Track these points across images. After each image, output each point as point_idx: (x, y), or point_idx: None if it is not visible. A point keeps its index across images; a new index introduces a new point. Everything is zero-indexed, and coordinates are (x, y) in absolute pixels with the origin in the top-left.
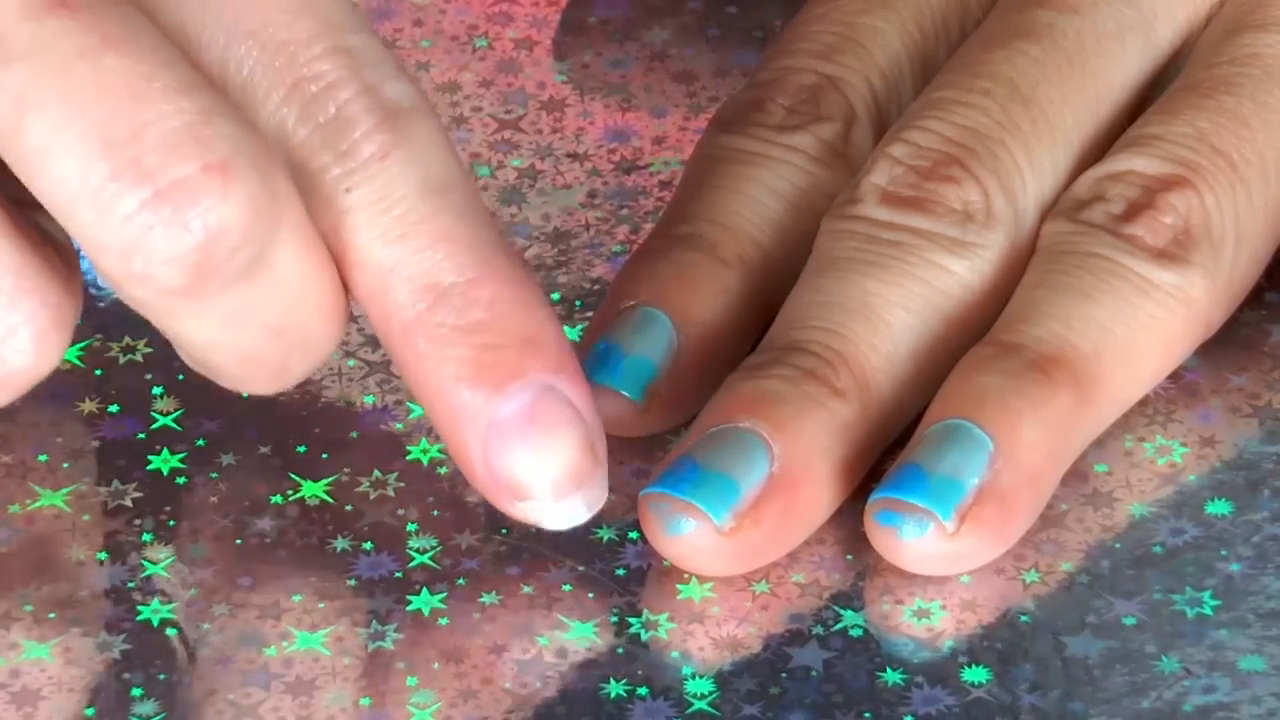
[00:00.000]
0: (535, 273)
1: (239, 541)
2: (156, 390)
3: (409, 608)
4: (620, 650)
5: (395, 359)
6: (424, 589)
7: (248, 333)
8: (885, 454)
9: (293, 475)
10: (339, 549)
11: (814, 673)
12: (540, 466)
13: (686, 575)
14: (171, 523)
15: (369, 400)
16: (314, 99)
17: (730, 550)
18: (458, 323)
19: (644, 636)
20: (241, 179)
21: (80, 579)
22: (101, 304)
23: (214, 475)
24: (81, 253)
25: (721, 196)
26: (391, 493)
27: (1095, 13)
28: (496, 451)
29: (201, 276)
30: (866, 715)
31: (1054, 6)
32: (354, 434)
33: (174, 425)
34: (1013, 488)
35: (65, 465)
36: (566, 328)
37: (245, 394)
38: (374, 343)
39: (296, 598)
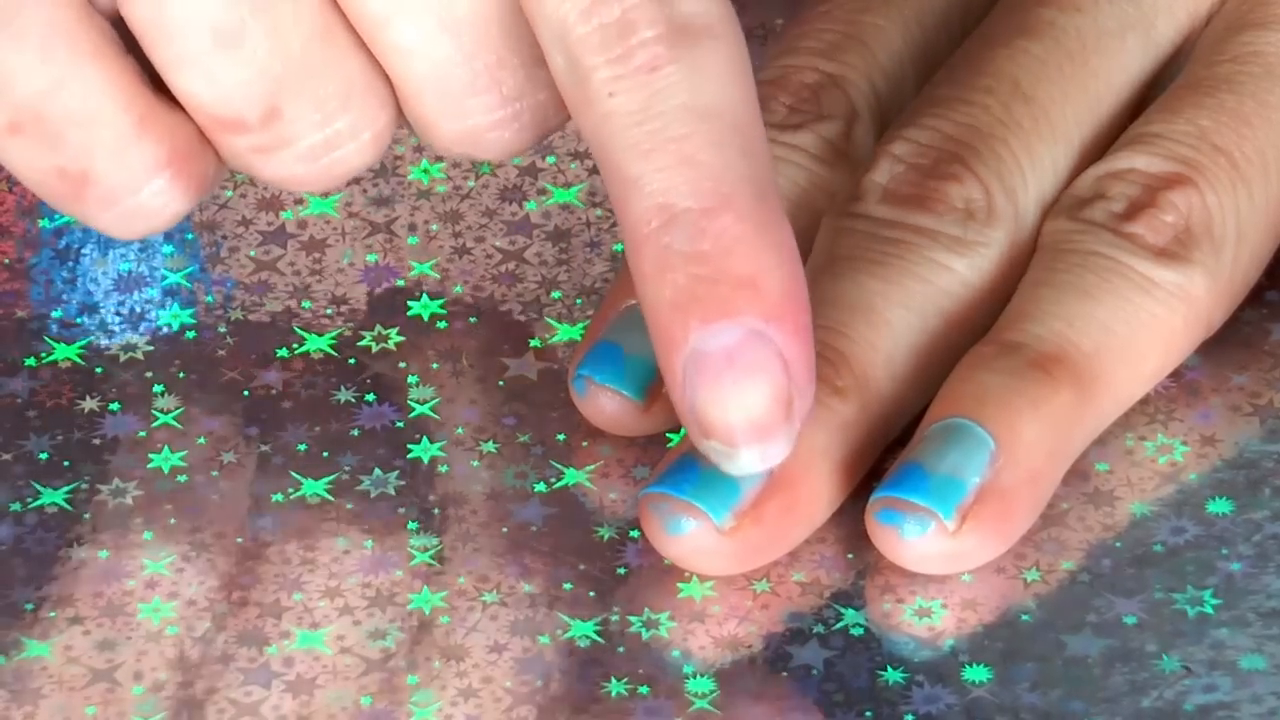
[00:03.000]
0: (534, 271)
1: (240, 540)
2: (157, 389)
3: (410, 606)
4: (621, 649)
5: (631, 270)
6: (425, 588)
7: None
8: (886, 453)
9: (293, 473)
10: (340, 548)
11: (815, 671)
12: (727, 410)
13: (687, 574)
14: (172, 521)
15: (370, 399)
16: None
17: (731, 550)
18: (682, 248)
19: (645, 635)
20: None
21: (81, 577)
22: (103, 303)
23: (215, 474)
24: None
25: None
26: (392, 490)
27: (1096, 11)
28: (692, 383)
29: None
30: (868, 714)
31: (1055, 4)
32: (354, 432)
33: (175, 424)
34: (1013, 486)
35: (66, 464)
36: (565, 327)
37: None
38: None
39: (297, 596)
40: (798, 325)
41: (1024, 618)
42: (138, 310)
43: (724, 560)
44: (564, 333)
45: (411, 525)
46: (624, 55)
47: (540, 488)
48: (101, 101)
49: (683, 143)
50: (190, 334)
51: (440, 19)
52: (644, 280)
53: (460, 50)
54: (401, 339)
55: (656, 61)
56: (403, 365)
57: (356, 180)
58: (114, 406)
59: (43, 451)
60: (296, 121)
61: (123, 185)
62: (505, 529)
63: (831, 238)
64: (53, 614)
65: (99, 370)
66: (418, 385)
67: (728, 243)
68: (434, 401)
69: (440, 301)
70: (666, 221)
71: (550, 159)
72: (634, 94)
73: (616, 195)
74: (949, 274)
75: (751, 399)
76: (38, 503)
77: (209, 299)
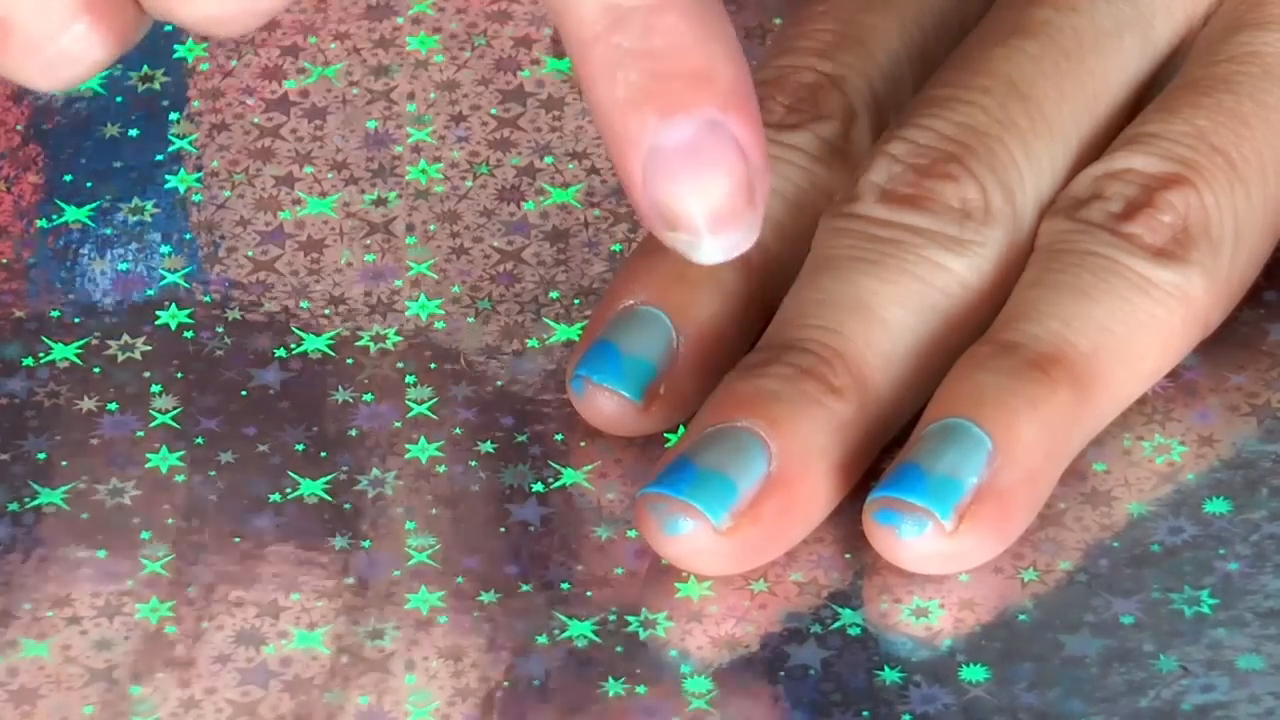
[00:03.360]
0: (532, 272)
1: (237, 540)
2: (155, 388)
3: (407, 606)
4: (619, 649)
5: (577, 76)
6: (423, 587)
7: None
8: (884, 453)
9: (291, 473)
10: (338, 547)
11: (812, 671)
12: (693, 200)
13: (685, 574)
14: (170, 521)
15: (367, 399)
16: None
17: (728, 550)
18: (633, 46)
19: (642, 635)
20: None
21: (79, 577)
22: (100, 303)
23: (212, 473)
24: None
25: None
26: (390, 491)
27: (1094, 10)
28: (654, 179)
29: None
30: (865, 714)
31: (1052, 4)
32: (353, 432)
33: (172, 423)
34: (1011, 486)
35: (64, 463)
36: (564, 327)
37: None
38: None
39: (295, 596)
40: (750, 113)
41: (1021, 618)
42: (135, 310)
43: (721, 560)
44: (562, 333)
45: (409, 525)
46: None
47: (538, 488)
48: None
49: None
50: (188, 334)
51: None
52: (594, 82)
53: None
54: (399, 339)
55: None
56: (400, 365)
57: (354, 180)
58: (112, 406)
59: (40, 451)
60: None
61: (43, 32)
62: (503, 529)
63: (829, 237)
64: (50, 614)
65: (97, 370)
66: (415, 385)
67: (677, 38)
68: (431, 401)
69: (438, 302)
70: (614, 21)
71: (548, 159)
72: None
73: (559, 1)
74: (946, 274)
75: (715, 188)
76: (35, 502)
77: (207, 299)
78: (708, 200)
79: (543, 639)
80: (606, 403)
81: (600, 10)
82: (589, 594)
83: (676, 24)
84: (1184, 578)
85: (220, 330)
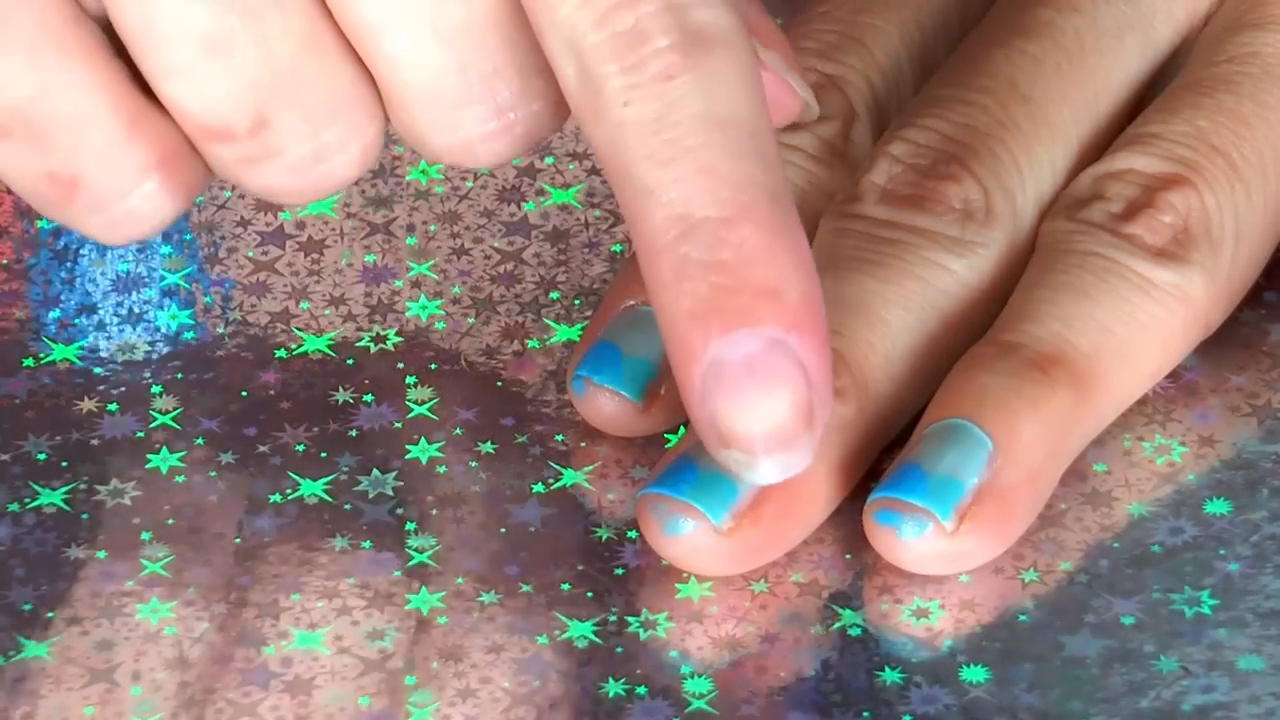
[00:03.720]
0: (533, 272)
1: (238, 540)
2: (155, 389)
3: (408, 607)
4: (619, 649)
5: (646, 281)
6: (423, 588)
7: None
8: (884, 453)
9: (291, 474)
10: (338, 548)
11: (813, 672)
12: (747, 420)
13: (685, 574)
14: (170, 521)
15: (368, 399)
16: (615, 7)
17: (729, 550)
18: (701, 258)
19: (643, 636)
20: None
21: (79, 577)
22: (100, 303)
23: (213, 474)
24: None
25: None
26: (390, 491)
27: (1095, 11)
28: (711, 394)
29: None
30: (865, 714)
31: (1053, 5)
32: (353, 433)
33: (173, 424)
34: (1012, 487)
35: (64, 464)
36: (564, 327)
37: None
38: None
39: (295, 597)
40: (817, 334)
41: (1022, 618)
42: (136, 311)
43: (722, 561)
44: (562, 333)
45: (409, 526)
46: (638, 64)
47: (538, 488)
48: (91, 105)
49: (700, 152)
50: (189, 334)
51: (434, 27)
52: (662, 290)
53: (455, 60)
54: (399, 340)
55: (671, 70)
56: (401, 366)
57: (354, 181)
58: (112, 407)
59: (41, 452)
60: (285, 132)
61: (112, 189)
62: (503, 529)
63: (829, 238)
64: (51, 614)
65: (97, 371)
66: (416, 386)
67: (748, 252)
68: (432, 402)
69: (438, 302)
70: (685, 231)
71: (549, 160)
72: (649, 103)
73: (631, 206)
74: (947, 274)
75: (773, 409)
76: (36, 503)
77: (207, 300)
78: (765, 419)
79: (543, 639)
80: (607, 403)
81: (672, 220)
82: (589, 594)
83: (749, 237)
84: (1184, 578)
85: (221, 331)
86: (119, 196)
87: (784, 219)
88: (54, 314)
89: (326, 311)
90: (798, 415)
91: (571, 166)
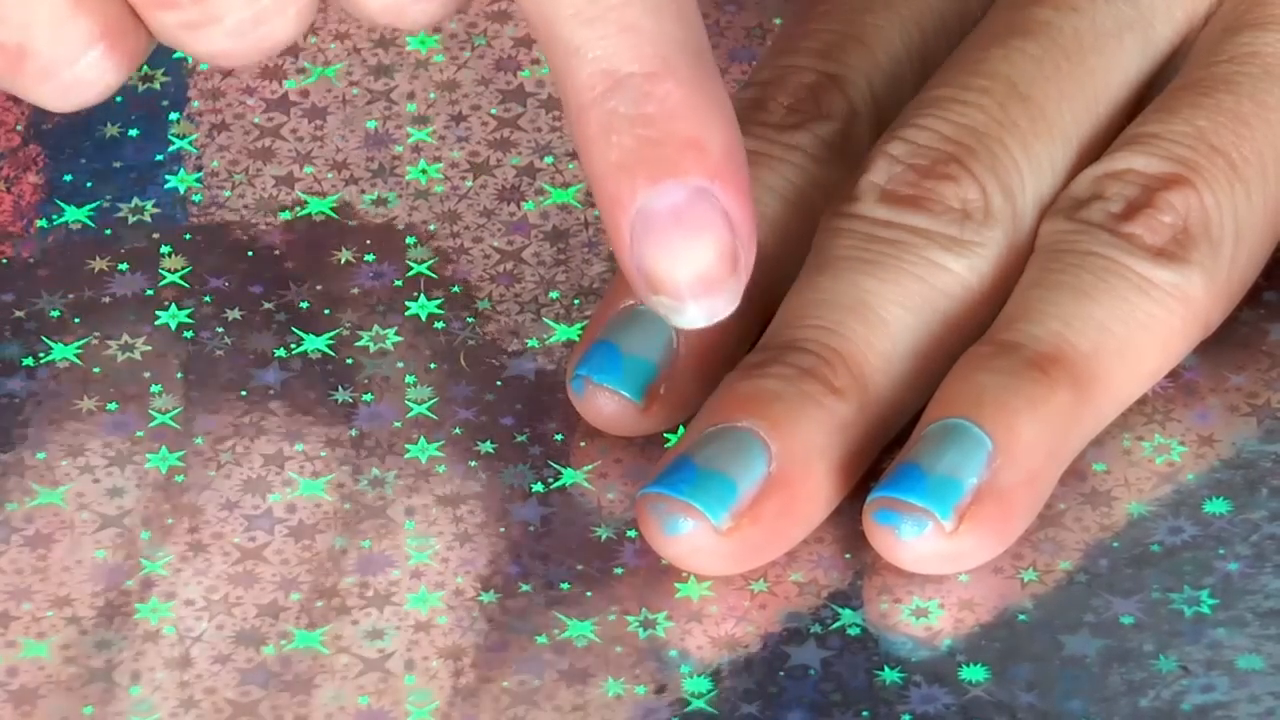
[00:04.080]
0: (532, 272)
1: (237, 540)
2: (155, 388)
3: (407, 605)
4: (618, 649)
5: (573, 138)
6: (422, 587)
7: None
8: (884, 453)
9: (290, 473)
10: (337, 546)
11: (812, 671)
12: (676, 265)
13: (685, 574)
14: (170, 520)
15: (367, 399)
16: None
17: (728, 550)
18: (627, 111)
19: (642, 635)
20: None
21: (79, 577)
22: (100, 303)
23: (212, 473)
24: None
25: None
26: (390, 490)
27: (1094, 11)
28: (640, 242)
29: None
30: (865, 714)
31: (1052, 4)
32: (352, 431)
33: (172, 423)
34: (1011, 487)
35: (63, 463)
36: (564, 327)
37: None
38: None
39: (295, 595)
40: (739, 183)
41: (1021, 618)
42: (136, 310)
43: (721, 560)
44: (562, 333)
45: (408, 525)
46: None
47: (538, 488)
48: None
49: (623, 10)
50: (188, 334)
51: None
52: (589, 144)
53: None
54: (399, 339)
55: None
56: (400, 365)
57: (355, 180)
58: (112, 406)
59: (41, 451)
60: None
61: (59, 58)
62: (503, 529)
63: (829, 238)
64: (50, 613)
65: (97, 370)
66: (415, 385)
67: (671, 106)
68: (431, 402)
69: (438, 301)
70: (611, 87)
71: (549, 159)
72: None
73: (558, 65)
74: (946, 274)
75: (699, 254)
76: (35, 501)
77: (207, 299)
78: (691, 266)
79: (542, 639)
80: (607, 403)
81: (597, 75)
82: (589, 594)
83: (672, 91)
84: (1184, 578)
85: (220, 330)
86: (66, 65)
87: (705, 74)
88: (53, 313)
89: (326, 309)
90: (723, 260)
91: (571, 166)
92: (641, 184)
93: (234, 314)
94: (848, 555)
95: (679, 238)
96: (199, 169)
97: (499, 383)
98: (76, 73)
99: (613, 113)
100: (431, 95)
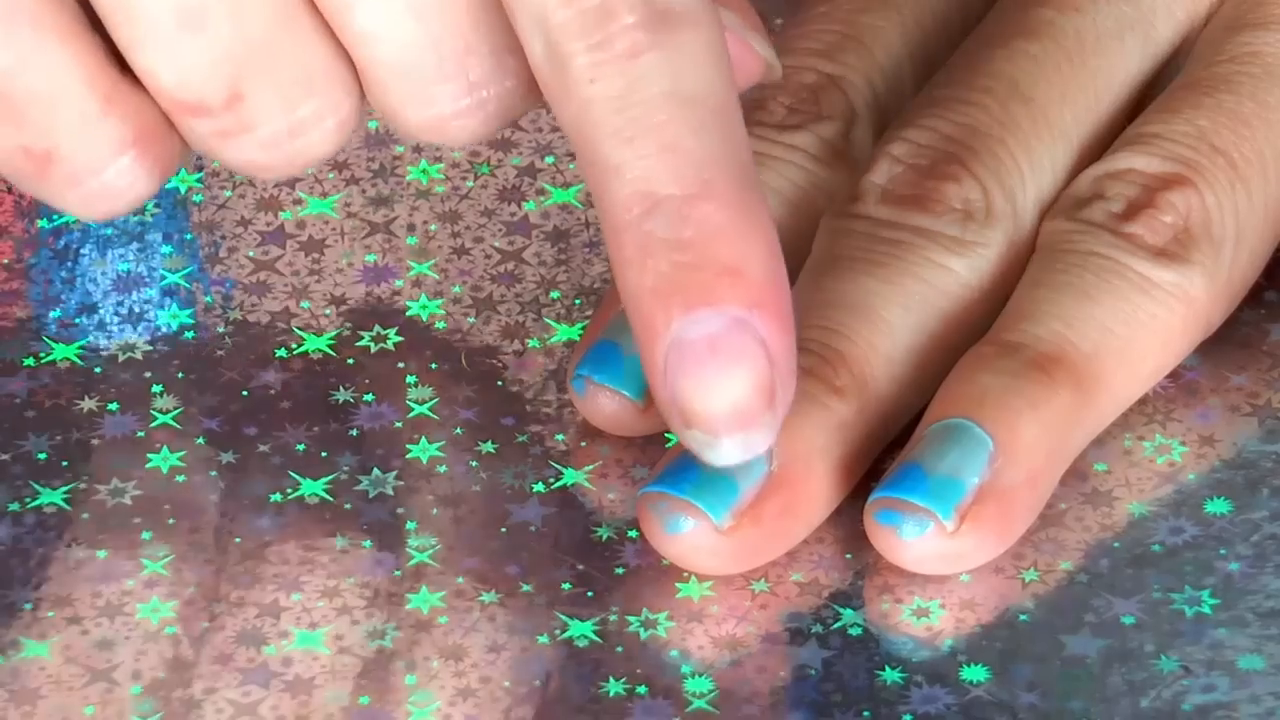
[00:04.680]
0: (533, 272)
1: (238, 540)
2: (156, 389)
3: (408, 606)
4: (619, 649)
5: (610, 257)
6: (423, 587)
7: None
8: (885, 453)
9: (292, 473)
10: (338, 547)
11: (813, 671)
12: (710, 398)
13: (686, 574)
14: (171, 521)
15: (368, 399)
16: None
17: (729, 549)
18: (664, 235)
19: (643, 635)
20: None
21: (79, 577)
22: (100, 303)
23: (213, 473)
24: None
25: None
26: (390, 491)
27: (1095, 11)
28: (674, 372)
29: None
30: (865, 714)
31: (1054, 5)
32: (353, 432)
33: (173, 423)
34: (1012, 487)
35: (64, 463)
36: (564, 327)
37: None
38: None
39: (296, 596)
40: (780, 313)
41: (1022, 618)
42: (136, 310)
43: (722, 560)
44: (563, 333)
45: (410, 525)
46: (604, 41)
47: (539, 488)
48: (66, 80)
49: (664, 129)
50: (189, 334)
51: (408, 3)
52: (624, 267)
53: (427, 35)
54: (400, 339)
55: (637, 48)
56: (401, 365)
57: (355, 180)
58: (112, 406)
59: (41, 451)
60: (259, 106)
61: (87, 165)
62: (504, 529)
63: (830, 238)
64: (51, 614)
65: (97, 370)
66: (416, 385)
67: (711, 229)
68: (432, 401)
69: (439, 302)
70: (649, 208)
71: (549, 159)
72: (615, 80)
73: (596, 182)
74: (948, 274)
75: (735, 387)
76: (36, 502)
77: (208, 299)
78: (727, 398)
79: (543, 639)
80: (607, 402)
81: (635, 197)
82: (589, 594)
83: (713, 214)
84: (1185, 578)
85: (221, 330)
86: (94, 172)
87: (748, 197)
88: (54, 313)
89: (327, 311)
90: (760, 394)
91: (571, 166)
92: (677, 311)
93: (235, 313)
94: (849, 555)
95: (714, 370)
96: (200, 169)
97: (499, 383)
98: (105, 180)
99: (649, 235)
100: None
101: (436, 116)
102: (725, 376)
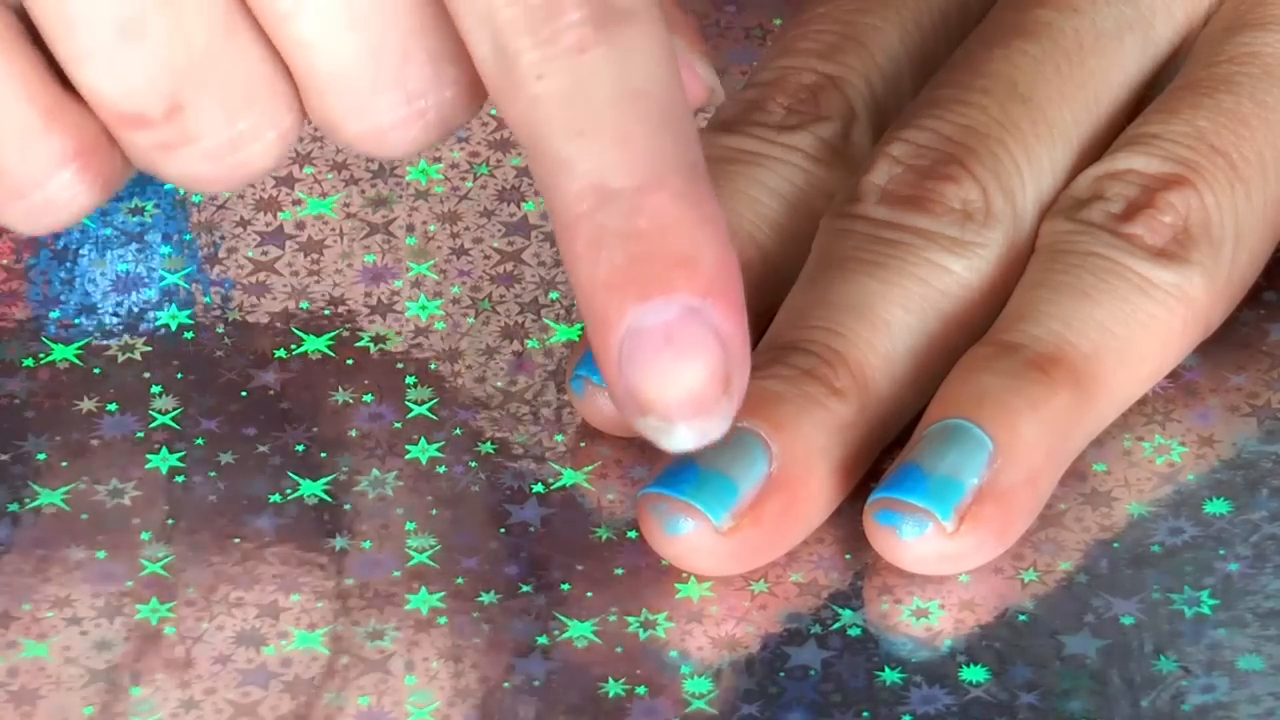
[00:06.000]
0: (533, 272)
1: (237, 540)
2: (155, 389)
3: (408, 607)
4: (619, 649)
5: (561, 251)
6: (423, 588)
7: None
8: (884, 453)
9: (291, 474)
10: (338, 548)
11: (812, 672)
12: (666, 386)
13: (685, 575)
14: (170, 521)
15: (367, 399)
16: None
17: (729, 550)
18: (617, 227)
19: (642, 636)
20: None
21: (79, 577)
22: (100, 303)
23: (213, 474)
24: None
25: (721, 196)
26: (390, 492)
27: (1094, 11)
28: (628, 362)
29: None
30: (865, 714)
31: (1053, 5)
32: (353, 432)
33: (173, 424)
34: (1012, 487)
35: (64, 464)
36: (564, 327)
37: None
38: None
39: (295, 597)
40: (732, 301)
41: (1021, 618)
42: (135, 311)
43: (722, 560)
44: (562, 333)
45: (409, 526)
46: (551, 37)
47: (538, 488)
48: (7, 94)
49: (615, 123)
50: (188, 335)
51: (346, 13)
52: (577, 260)
53: (365, 45)
54: (399, 339)
55: (584, 43)
56: (400, 366)
57: (355, 181)
58: (112, 407)
59: (41, 452)
60: (200, 118)
61: (30, 178)
62: (503, 529)
63: (829, 239)
64: (50, 614)
65: (97, 371)
66: (415, 386)
67: (664, 221)
68: (432, 402)
69: (438, 302)
70: (600, 201)
71: None
72: (563, 76)
73: (545, 178)
74: (947, 275)
75: (690, 375)
76: (36, 503)
77: (207, 300)
78: (682, 386)
79: (543, 639)
80: (607, 403)
81: (587, 189)
82: (589, 594)
83: (665, 206)
84: (1184, 578)
85: (220, 331)
86: (36, 186)
87: (698, 189)
88: (54, 314)
89: (326, 311)
90: (714, 381)
91: None
92: (631, 302)
93: (234, 313)
94: (848, 556)
95: (669, 358)
96: None
97: (499, 383)
98: (48, 194)
99: (602, 228)
100: None
101: (374, 127)
102: (681, 364)
